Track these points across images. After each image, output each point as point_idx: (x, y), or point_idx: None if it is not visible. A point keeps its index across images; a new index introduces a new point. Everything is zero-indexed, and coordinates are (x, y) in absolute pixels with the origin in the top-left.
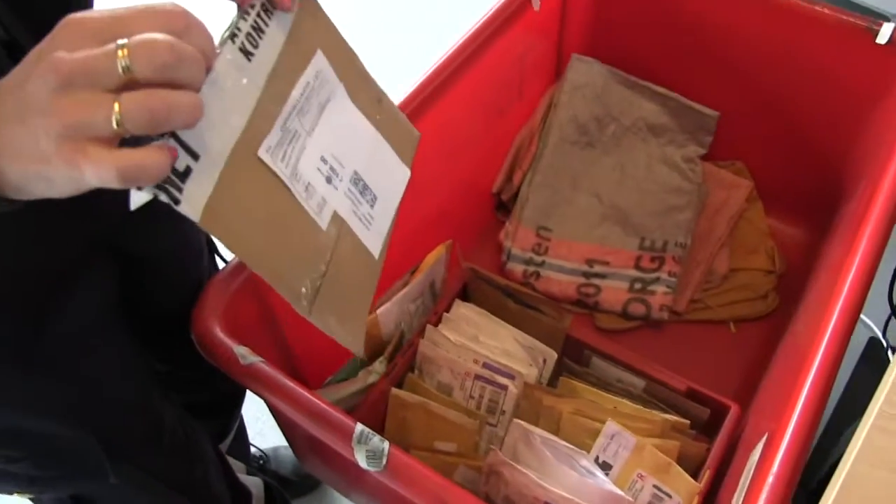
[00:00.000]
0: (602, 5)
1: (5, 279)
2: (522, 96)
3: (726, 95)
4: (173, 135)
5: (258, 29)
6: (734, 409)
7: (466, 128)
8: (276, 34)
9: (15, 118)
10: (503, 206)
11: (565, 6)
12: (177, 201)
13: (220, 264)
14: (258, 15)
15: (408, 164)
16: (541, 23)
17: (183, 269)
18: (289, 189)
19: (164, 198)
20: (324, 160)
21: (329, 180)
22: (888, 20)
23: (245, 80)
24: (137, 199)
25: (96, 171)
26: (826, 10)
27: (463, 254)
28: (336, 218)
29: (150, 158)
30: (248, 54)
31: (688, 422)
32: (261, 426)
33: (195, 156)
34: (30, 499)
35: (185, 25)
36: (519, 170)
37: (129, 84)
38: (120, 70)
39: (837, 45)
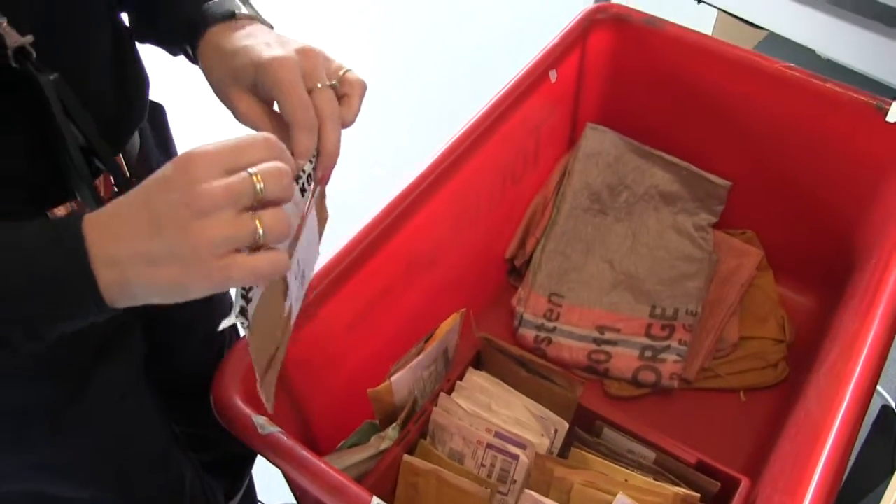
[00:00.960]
0: (617, 76)
1: (51, 347)
2: (537, 164)
3: (738, 165)
4: None
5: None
6: (745, 483)
7: (483, 195)
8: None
9: (152, 236)
10: (516, 272)
11: (581, 77)
12: (246, 323)
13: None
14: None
15: (318, 245)
16: (557, 93)
17: (207, 332)
18: (284, 296)
19: (241, 321)
20: (299, 264)
21: (296, 277)
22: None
23: (293, 214)
24: (226, 322)
25: (243, 275)
26: (837, 88)
27: (475, 317)
28: (289, 305)
29: (279, 257)
30: (303, 191)
31: (698, 495)
32: (269, 480)
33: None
34: None
35: (280, 151)
36: (532, 236)
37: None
38: (257, 192)
39: (847, 121)
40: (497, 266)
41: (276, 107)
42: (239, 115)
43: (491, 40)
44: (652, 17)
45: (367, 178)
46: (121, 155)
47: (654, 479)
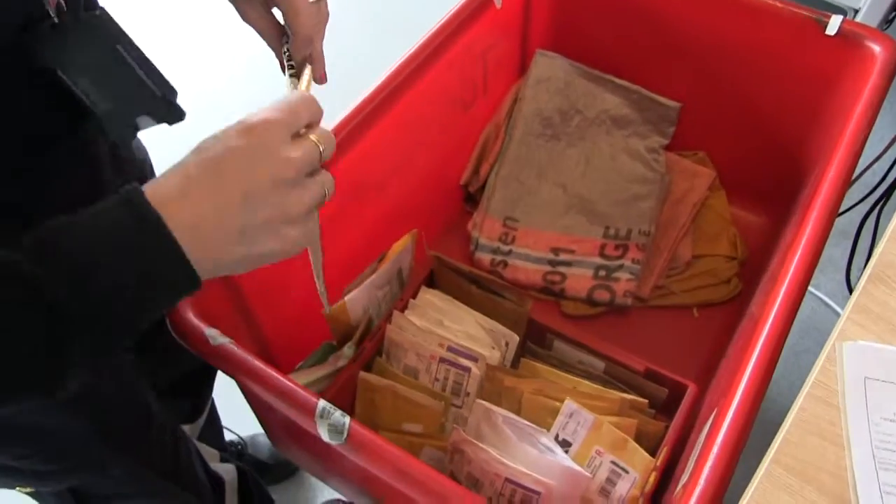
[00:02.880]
0: (564, 2)
1: None
2: (487, 91)
3: (688, 87)
4: None
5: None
6: (692, 389)
7: (432, 122)
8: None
9: (245, 212)
10: (471, 198)
11: (528, 4)
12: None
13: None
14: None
15: None
16: (504, 20)
17: None
18: None
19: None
20: None
21: None
22: (843, 12)
23: None
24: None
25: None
26: (777, 4)
27: (432, 244)
28: None
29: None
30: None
31: (646, 401)
32: (239, 414)
33: None
34: (28, 493)
35: (320, 108)
36: (486, 162)
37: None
38: (321, 156)
39: (790, 36)
40: (452, 192)
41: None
42: (246, 19)
43: None
44: None
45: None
46: None
47: (603, 386)
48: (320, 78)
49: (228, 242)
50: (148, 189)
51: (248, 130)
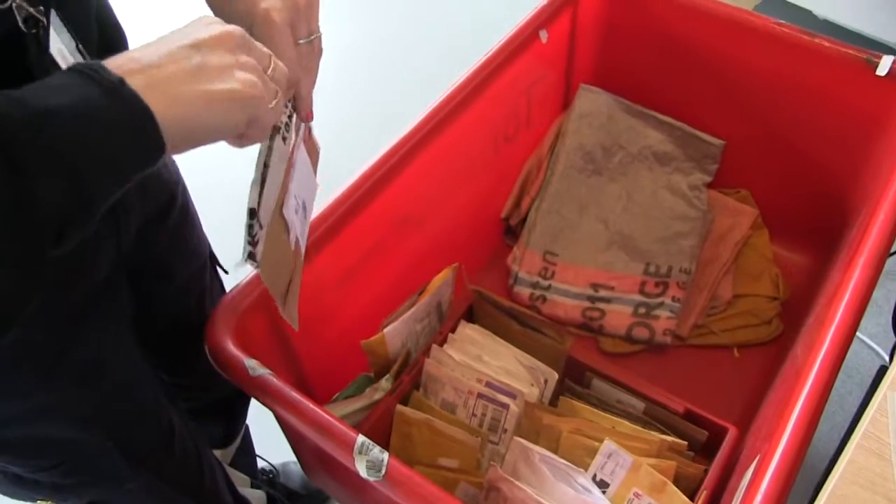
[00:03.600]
0: (610, 37)
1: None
2: (531, 125)
3: (732, 124)
4: (253, 215)
5: (290, 118)
6: (732, 432)
7: (474, 155)
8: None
9: (197, 53)
10: (511, 232)
11: (573, 39)
12: (257, 265)
13: (221, 274)
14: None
15: (315, 176)
16: (549, 54)
17: (189, 281)
18: (287, 231)
19: (252, 264)
20: (296, 199)
21: (296, 212)
22: (890, 51)
23: (281, 161)
24: (236, 265)
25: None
26: (826, 43)
27: (472, 277)
28: (294, 237)
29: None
30: (285, 139)
31: (685, 443)
32: (273, 442)
33: (261, 226)
34: None
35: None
36: (527, 196)
37: None
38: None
39: (839, 76)
40: (493, 226)
41: None
42: None
43: (488, 12)
44: None
45: (357, 136)
46: None
47: (642, 427)
48: (305, 117)
49: (186, 81)
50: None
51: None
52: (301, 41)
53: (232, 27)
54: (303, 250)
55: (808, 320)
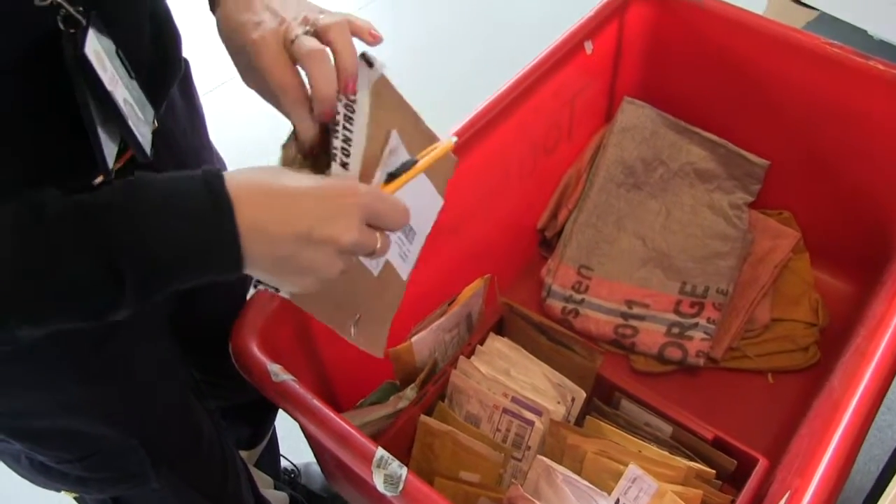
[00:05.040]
0: (656, 51)
1: None
2: (571, 136)
3: (777, 145)
4: None
5: (347, 140)
6: (762, 463)
7: (514, 165)
8: (359, 137)
9: (294, 247)
10: (546, 243)
11: (619, 51)
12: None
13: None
14: (344, 127)
15: (442, 193)
16: (593, 66)
17: (228, 282)
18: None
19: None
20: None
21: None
22: None
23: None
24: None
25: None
26: (880, 66)
27: (504, 287)
28: (385, 263)
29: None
30: (345, 165)
31: (713, 471)
32: (294, 441)
33: None
34: (74, 497)
35: (405, 223)
36: (564, 208)
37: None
38: (371, 255)
39: (890, 100)
40: (528, 236)
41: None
42: (260, 65)
43: (531, 13)
44: None
45: None
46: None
47: (669, 452)
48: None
49: (265, 259)
50: (229, 177)
51: (339, 191)
52: (298, 33)
53: (359, 232)
54: (403, 274)
55: (848, 350)
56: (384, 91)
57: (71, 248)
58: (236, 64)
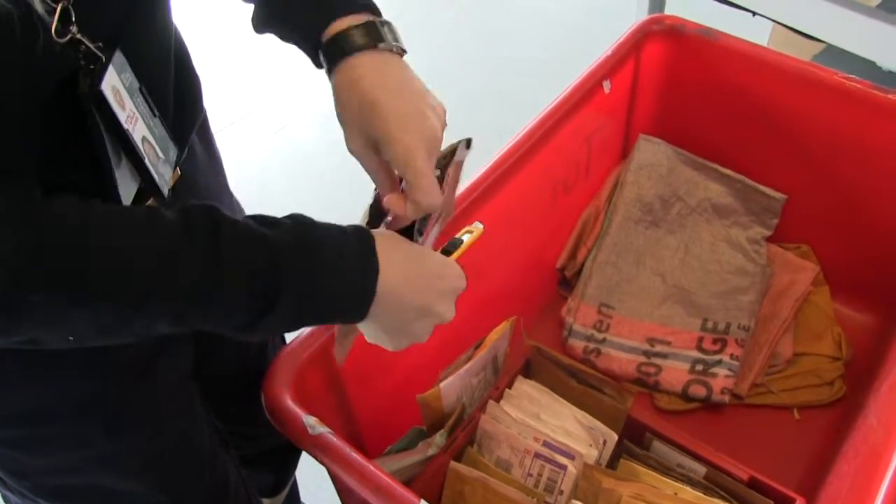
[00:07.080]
0: (671, 88)
1: (109, 349)
2: (589, 174)
3: (794, 179)
4: None
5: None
6: (800, 503)
7: (534, 205)
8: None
9: (414, 317)
10: (566, 282)
11: (635, 88)
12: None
13: None
14: None
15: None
16: (610, 104)
17: None
18: None
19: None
20: None
21: None
22: None
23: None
24: None
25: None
26: None
27: (525, 327)
28: None
29: None
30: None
31: None
32: (314, 487)
33: None
34: None
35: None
36: (583, 247)
37: None
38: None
39: None
40: (547, 276)
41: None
42: (357, 157)
43: (546, 53)
44: (707, 28)
45: None
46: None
47: (705, 494)
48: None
49: (386, 320)
50: (378, 243)
51: (455, 273)
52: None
53: (451, 304)
54: None
55: (881, 384)
56: None
57: (245, 268)
58: (353, 134)
